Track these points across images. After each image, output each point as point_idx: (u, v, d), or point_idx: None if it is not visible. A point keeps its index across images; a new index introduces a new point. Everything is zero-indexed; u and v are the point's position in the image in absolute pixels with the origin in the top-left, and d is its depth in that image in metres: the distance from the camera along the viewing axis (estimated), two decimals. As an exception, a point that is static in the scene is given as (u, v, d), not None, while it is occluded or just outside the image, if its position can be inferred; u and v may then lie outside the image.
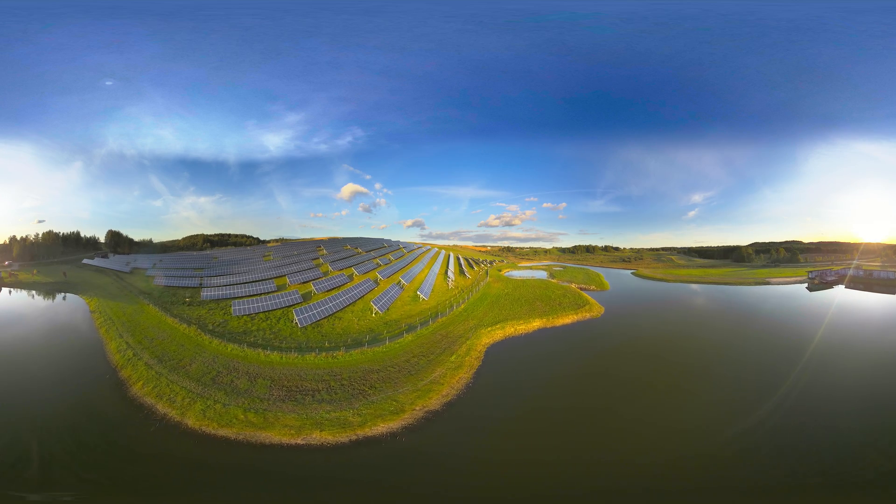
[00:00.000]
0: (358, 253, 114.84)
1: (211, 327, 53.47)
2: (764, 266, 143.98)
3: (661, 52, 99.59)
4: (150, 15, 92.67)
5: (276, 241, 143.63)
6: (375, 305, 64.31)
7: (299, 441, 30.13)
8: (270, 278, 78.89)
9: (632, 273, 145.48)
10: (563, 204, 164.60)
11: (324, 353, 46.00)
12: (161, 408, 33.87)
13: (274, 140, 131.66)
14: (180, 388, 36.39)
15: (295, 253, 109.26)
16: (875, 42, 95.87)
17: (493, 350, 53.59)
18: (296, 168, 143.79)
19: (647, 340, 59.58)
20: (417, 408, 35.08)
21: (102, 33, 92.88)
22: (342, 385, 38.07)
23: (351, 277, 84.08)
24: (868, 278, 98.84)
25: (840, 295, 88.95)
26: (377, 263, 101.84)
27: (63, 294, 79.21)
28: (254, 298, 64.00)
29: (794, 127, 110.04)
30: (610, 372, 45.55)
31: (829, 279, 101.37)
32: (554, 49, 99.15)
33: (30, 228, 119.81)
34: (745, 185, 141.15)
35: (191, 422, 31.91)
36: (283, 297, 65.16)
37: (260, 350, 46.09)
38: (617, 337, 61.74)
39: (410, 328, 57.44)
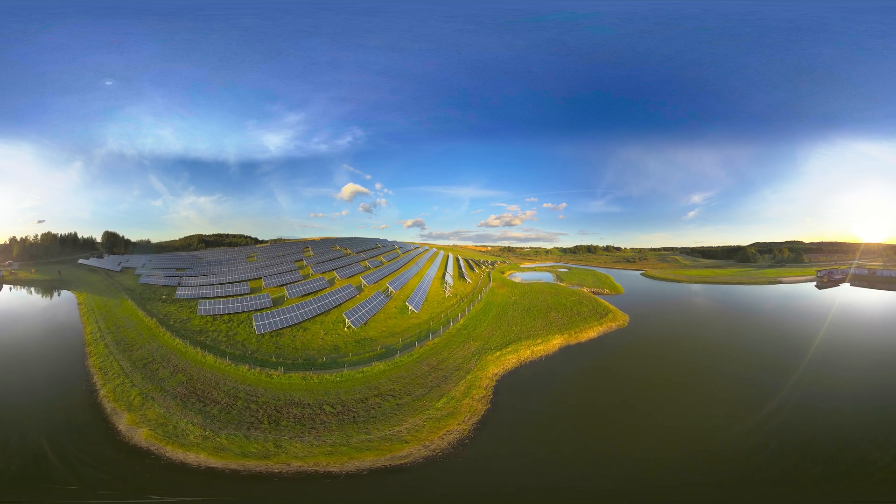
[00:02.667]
0: (346, 254, 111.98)
1: (172, 323, 57.60)
2: (770, 266, 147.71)
3: (661, 52, 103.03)
4: (150, 15, 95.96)
5: (275, 241, 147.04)
6: (349, 318, 56.35)
7: (122, 428, 32.30)
8: (245, 280, 79.92)
9: (640, 274, 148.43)
10: (563, 204, 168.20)
11: (258, 368, 42.22)
12: (96, 378, 41.15)
13: (274, 140, 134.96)
14: (118, 365, 43.44)
15: (280, 254, 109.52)
16: (875, 42, 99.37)
17: (506, 384, 42.56)
18: (296, 168, 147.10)
19: (695, 352, 54.15)
20: (312, 464, 28.25)
21: (102, 33, 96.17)
22: (247, 408, 34.69)
23: (332, 282, 79.64)
24: (872, 276, 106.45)
25: (848, 292, 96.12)
26: (365, 266, 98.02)
27: (58, 290, 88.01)
28: (221, 300, 64.64)
29: (794, 127, 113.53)
30: (690, 414, 35.65)
31: (837, 277, 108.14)
32: (554, 49, 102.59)
33: (29, 229, 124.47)
34: (745, 186, 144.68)
35: (102, 392, 38.23)
36: (250, 301, 64.50)
37: (199, 349, 46.96)
38: (657, 352, 54.53)
39: (388, 352, 48.52)
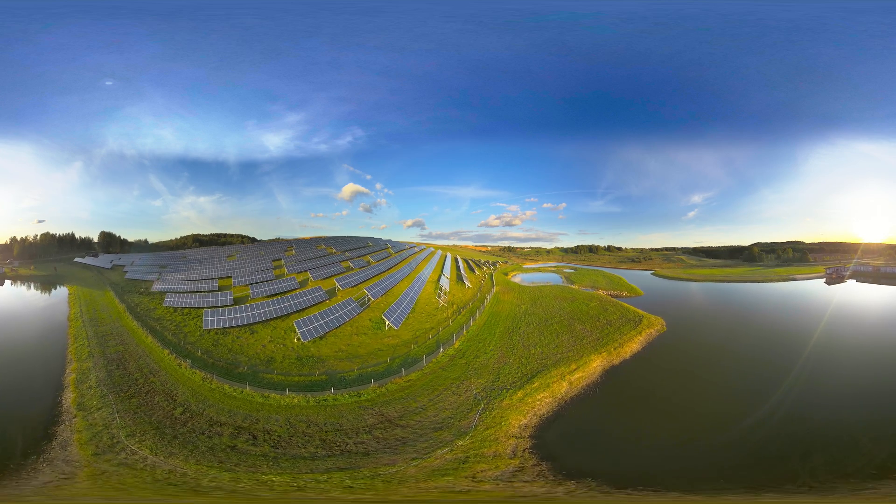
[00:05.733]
0: (330, 253, 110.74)
1: (139, 310, 67.21)
2: (776, 265, 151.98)
3: (661, 52, 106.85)
4: (150, 15, 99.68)
5: (273, 240, 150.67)
6: (299, 329, 49.80)
7: (67, 371, 44.41)
8: (216, 278, 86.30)
9: (650, 274, 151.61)
10: (563, 204, 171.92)
11: (173, 356, 46.44)
12: (70, 341, 54.54)
13: (274, 140, 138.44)
14: (85, 334, 56.39)
15: (262, 252, 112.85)
16: (875, 42, 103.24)
17: (549, 443, 28.49)
18: (296, 168, 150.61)
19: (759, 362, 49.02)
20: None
21: (102, 33, 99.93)
22: (134, 381, 39.99)
23: (304, 283, 76.63)
24: (876, 273, 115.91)
25: (855, 288, 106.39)
26: (347, 267, 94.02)
27: (53, 284, 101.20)
28: (185, 294, 70.85)
29: (794, 127, 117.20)
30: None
31: (844, 274, 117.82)
32: (554, 49, 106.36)
33: (29, 229, 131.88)
34: (745, 186, 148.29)
35: (70, 349, 51.52)
36: (211, 297, 68.33)
37: (145, 331, 55.91)
38: (714, 360, 48.15)
39: (330, 381, 39.15)
